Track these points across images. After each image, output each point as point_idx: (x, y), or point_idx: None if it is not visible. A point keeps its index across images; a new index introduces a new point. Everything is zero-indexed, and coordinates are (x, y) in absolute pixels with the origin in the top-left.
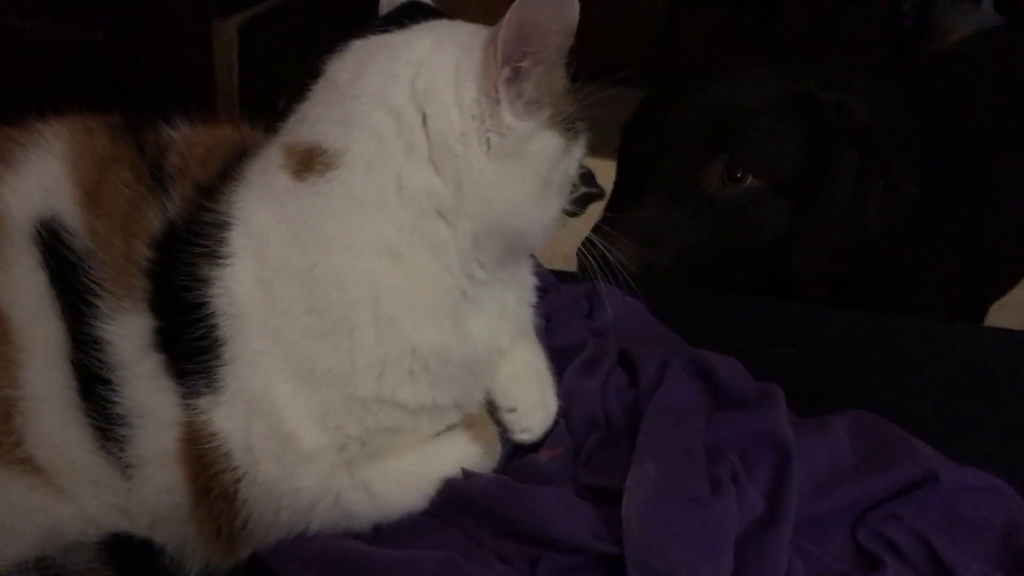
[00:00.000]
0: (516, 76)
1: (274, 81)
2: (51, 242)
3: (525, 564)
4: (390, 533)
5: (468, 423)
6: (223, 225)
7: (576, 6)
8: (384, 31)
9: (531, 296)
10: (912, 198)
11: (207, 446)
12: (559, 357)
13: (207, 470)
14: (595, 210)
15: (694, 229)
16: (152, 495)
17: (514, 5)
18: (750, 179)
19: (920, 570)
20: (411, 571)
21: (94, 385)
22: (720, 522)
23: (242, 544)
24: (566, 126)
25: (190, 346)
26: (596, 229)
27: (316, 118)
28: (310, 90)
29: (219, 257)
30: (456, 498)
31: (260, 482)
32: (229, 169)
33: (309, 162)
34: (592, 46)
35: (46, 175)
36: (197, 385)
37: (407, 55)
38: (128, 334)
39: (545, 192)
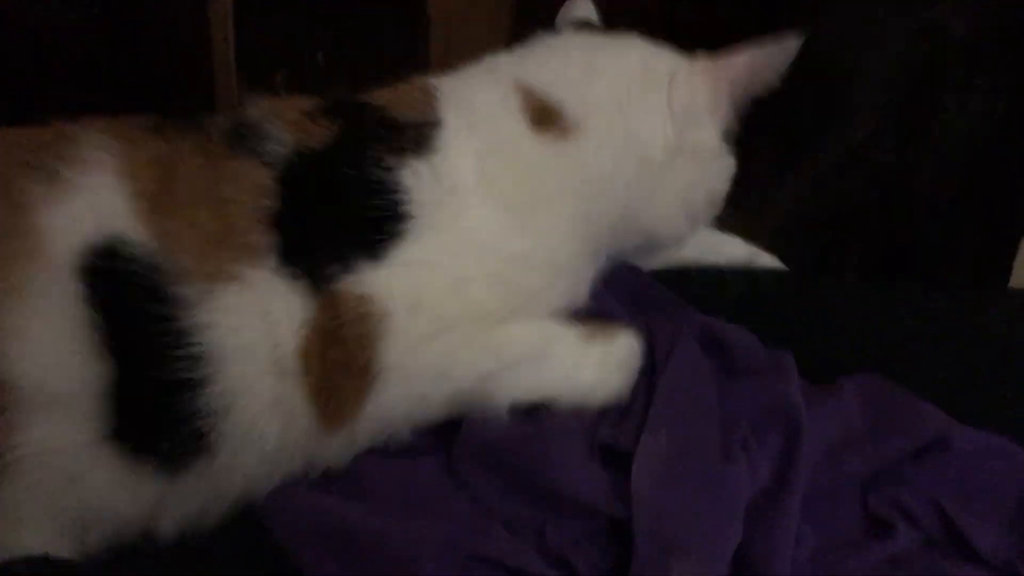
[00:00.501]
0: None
1: (271, 54)
2: (105, 266)
3: (531, 533)
4: (394, 501)
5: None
6: (426, 125)
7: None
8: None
9: None
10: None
11: (351, 318)
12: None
13: (337, 349)
14: None
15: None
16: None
17: (759, 50)
18: None
19: (932, 535)
20: (411, 551)
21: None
22: (731, 491)
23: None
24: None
25: (356, 233)
26: None
27: (560, 78)
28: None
29: (421, 150)
30: (472, 442)
31: (407, 342)
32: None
33: (548, 120)
34: None
35: (101, 197)
36: (350, 260)
37: (625, 62)
38: (237, 299)
39: (705, 208)
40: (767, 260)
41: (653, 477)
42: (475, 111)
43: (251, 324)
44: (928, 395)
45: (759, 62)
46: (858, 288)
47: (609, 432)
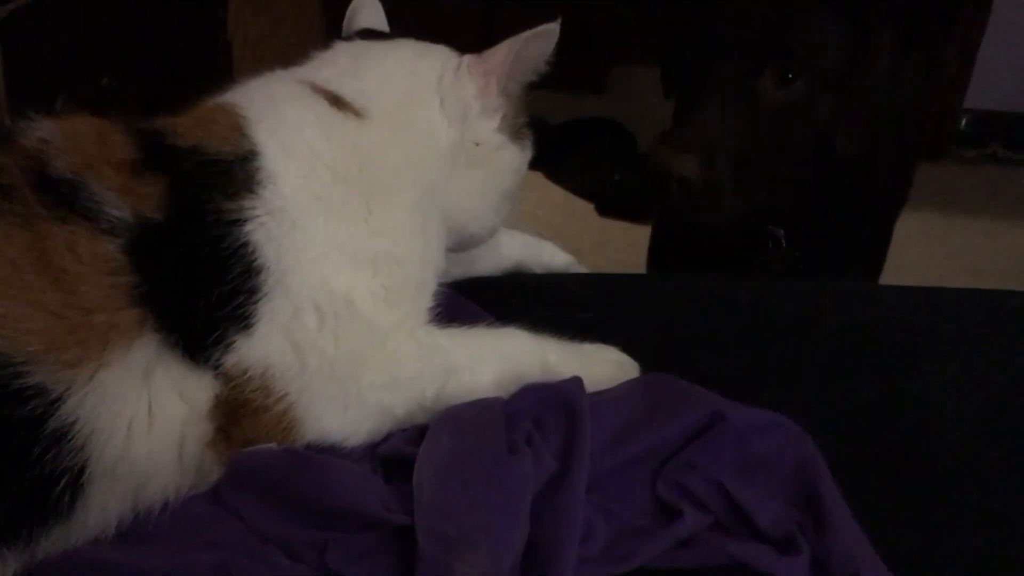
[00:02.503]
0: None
1: (44, 78)
2: None
3: (313, 555)
4: (167, 535)
5: None
6: (245, 157)
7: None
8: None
9: None
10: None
11: (244, 393)
12: None
13: (243, 413)
14: None
15: (751, 136)
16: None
17: (516, 39)
18: (800, 81)
19: (718, 515)
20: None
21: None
22: (515, 485)
23: None
24: (519, 136)
25: (219, 305)
26: (658, 143)
27: (336, 78)
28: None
29: (252, 188)
30: (241, 473)
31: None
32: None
33: (341, 103)
34: None
35: None
36: (224, 337)
37: (392, 65)
38: (113, 384)
39: (503, 201)
40: (583, 268)
41: (434, 477)
42: (283, 121)
43: (129, 411)
44: (721, 385)
45: (521, 50)
46: (664, 282)
47: (390, 444)
